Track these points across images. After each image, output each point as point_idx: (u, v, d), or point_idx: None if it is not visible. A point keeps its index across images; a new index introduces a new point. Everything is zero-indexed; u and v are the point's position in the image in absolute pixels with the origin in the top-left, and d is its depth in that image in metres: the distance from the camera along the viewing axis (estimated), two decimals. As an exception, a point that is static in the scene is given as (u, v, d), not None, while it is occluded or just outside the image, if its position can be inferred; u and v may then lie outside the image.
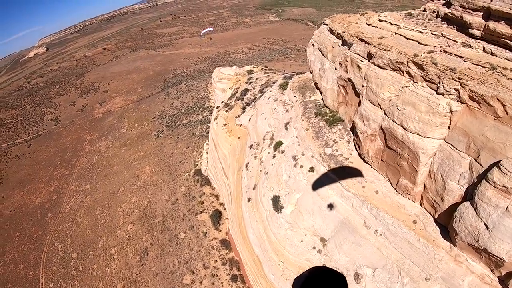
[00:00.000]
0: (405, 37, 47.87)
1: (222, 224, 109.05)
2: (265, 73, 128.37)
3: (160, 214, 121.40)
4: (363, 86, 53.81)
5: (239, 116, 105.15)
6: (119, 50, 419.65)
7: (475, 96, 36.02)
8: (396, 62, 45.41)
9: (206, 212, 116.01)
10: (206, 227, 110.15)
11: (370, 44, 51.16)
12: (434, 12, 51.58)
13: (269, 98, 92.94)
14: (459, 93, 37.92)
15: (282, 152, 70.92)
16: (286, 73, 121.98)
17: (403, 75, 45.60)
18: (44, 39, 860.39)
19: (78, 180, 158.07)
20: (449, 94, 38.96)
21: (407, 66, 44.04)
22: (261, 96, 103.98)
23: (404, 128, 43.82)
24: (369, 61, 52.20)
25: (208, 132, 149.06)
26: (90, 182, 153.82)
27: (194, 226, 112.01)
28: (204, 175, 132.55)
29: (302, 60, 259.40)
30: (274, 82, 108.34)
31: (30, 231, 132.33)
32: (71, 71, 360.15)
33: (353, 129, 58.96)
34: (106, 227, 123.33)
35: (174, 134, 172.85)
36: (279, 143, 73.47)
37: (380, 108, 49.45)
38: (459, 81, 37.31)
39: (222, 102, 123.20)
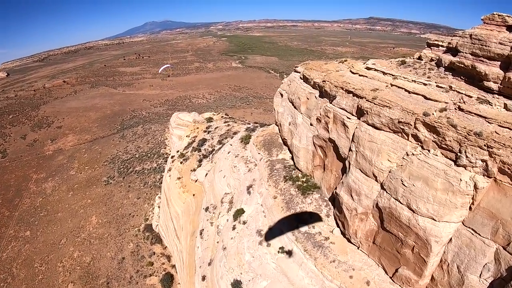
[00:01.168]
0: (406, 90, 38.45)
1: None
2: (225, 122, 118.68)
3: (104, 275, 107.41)
4: (350, 150, 42.91)
5: (194, 169, 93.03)
6: (79, 85, 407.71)
7: (508, 168, 27.32)
8: (399, 122, 35.36)
9: (156, 275, 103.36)
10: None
11: (362, 98, 40.86)
12: (432, 60, 44.09)
13: (228, 153, 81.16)
14: (486, 165, 28.68)
15: (244, 223, 57.49)
16: (249, 124, 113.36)
17: (408, 139, 35.67)
18: (7, 63, 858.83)
19: (19, 224, 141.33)
20: (473, 166, 29.57)
21: (415, 128, 34.17)
22: (220, 148, 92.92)
23: (412, 210, 33.33)
24: (359, 118, 41.90)
25: (161, 182, 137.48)
26: (31, 228, 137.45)
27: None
28: (155, 232, 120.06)
29: (263, 108, 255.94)
30: (234, 133, 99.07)
31: None
32: (27, 101, 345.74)
33: (334, 201, 48.18)
34: (44, 283, 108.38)
35: (125, 182, 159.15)
36: (240, 211, 59.98)
37: (376, 180, 38.49)
38: (487, 150, 28.24)
39: (178, 151, 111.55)
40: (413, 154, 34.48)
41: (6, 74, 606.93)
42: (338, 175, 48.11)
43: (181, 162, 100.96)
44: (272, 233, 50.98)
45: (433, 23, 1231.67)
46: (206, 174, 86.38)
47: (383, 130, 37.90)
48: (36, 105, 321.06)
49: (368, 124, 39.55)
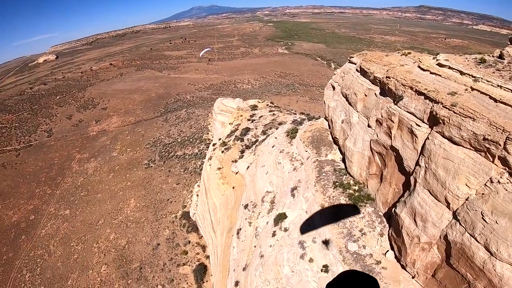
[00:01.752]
0: (491, 98, 30.15)
1: (206, 281, 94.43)
2: (270, 111, 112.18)
3: (138, 259, 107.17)
4: (418, 164, 35.39)
5: (236, 161, 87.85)
6: (125, 68, 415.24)
7: None
8: (485, 139, 27.52)
9: (189, 265, 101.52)
10: (187, 283, 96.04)
11: (437, 102, 32.97)
12: (520, 61, 35.18)
13: (273, 147, 75.16)
14: None
15: (285, 230, 51.52)
16: (295, 114, 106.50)
17: (493, 162, 27.78)
18: (56, 46, 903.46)
19: (59, 203, 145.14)
20: None
21: (504, 149, 26.33)
22: (264, 139, 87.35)
23: (490, 252, 26.15)
24: (431, 127, 34.48)
25: (202, 169, 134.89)
26: (70, 207, 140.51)
27: (174, 280, 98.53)
28: (192, 220, 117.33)
29: (309, 97, 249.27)
30: (280, 124, 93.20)
31: (1, 251, 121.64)
32: (74, 83, 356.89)
33: (390, 218, 41.69)
34: (78, 263, 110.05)
35: (165, 166, 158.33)
36: (282, 216, 53.90)
37: (449, 207, 31.12)
38: None
39: (220, 139, 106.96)
40: (498, 182, 26.96)
41: (56, 56, 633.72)
42: (398, 190, 41.13)
43: (222, 151, 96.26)
44: (317, 245, 45.21)
45: (486, 14, 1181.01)
46: (248, 167, 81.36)
47: (463, 147, 30.26)
48: (83, 87, 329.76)
49: (444, 137, 31.95)
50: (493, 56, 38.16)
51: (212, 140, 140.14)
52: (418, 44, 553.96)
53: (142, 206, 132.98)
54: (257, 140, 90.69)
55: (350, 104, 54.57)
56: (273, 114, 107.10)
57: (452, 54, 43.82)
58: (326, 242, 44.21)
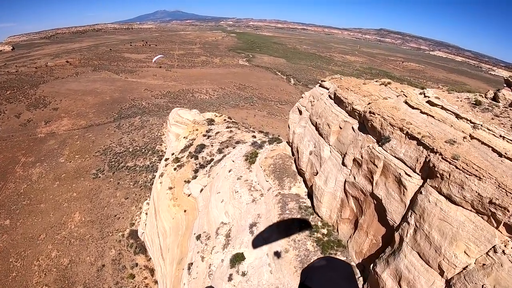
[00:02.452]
0: (495, 151, 26.03)
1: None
2: (227, 127, 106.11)
3: (82, 281, 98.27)
4: (406, 221, 30.02)
5: (189, 181, 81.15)
6: (82, 67, 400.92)
7: None
8: (491, 203, 23.09)
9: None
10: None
11: (435, 152, 28.09)
12: (514, 105, 31.52)
13: (230, 171, 68.07)
14: None
15: (244, 274, 44.48)
16: (253, 133, 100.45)
17: (497, 228, 23.47)
18: (13, 37, 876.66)
19: None
20: None
21: None
22: (220, 160, 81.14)
23: None
24: (424, 180, 29.47)
25: (152, 184, 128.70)
26: (11, 216, 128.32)
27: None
28: (140, 240, 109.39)
29: (267, 111, 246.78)
30: (237, 143, 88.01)
31: None
32: (27, 78, 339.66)
33: (367, 275, 34.96)
34: (17, 282, 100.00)
35: (115, 178, 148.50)
36: (240, 257, 47.15)
37: (442, 275, 26.24)
38: None
39: (173, 154, 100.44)
40: (503, 252, 22.63)
41: (12, 48, 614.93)
42: (376, 242, 35.62)
43: (175, 169, 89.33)
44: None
45: (443, 41, 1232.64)
46: (202, 190, 74.67)
47: (463, 207, 25.46)
48: (36, 83, 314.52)
49: (441, 194, 26.96)
50: (486, 97, 34.04)
51: (165, 153, 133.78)
52: (376, 65, 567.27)
53: (88, 221, 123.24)
54: (212, 159, 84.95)
55: (320, 135, 49.02)
56: (231, 131, 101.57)
57: (439, 89, 39.26)
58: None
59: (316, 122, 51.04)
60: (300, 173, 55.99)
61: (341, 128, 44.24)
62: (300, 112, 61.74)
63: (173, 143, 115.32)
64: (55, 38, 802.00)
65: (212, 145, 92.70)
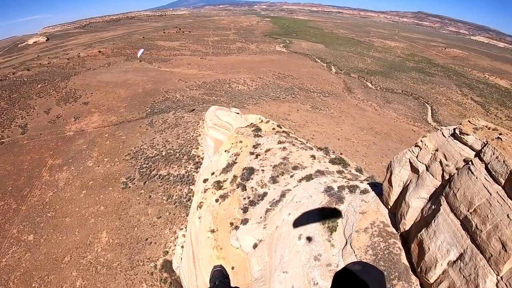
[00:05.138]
0: None
1: None
2: (279, 142, 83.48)
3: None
4: None
5: (236, 227, 60.46)
6: (114, 57, 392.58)
7: None
8: None
9: None
10: None
11: None
12: None
13: (300, 238, 46.48)
14: None
15: None
16: (313, 153, 77.84)
17: None
18: (48, 28, 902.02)
19: (23, 223, 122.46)
20: None
21: None
22: (277, 201, 59.03)
23: None
24: None
25: (188, 200, 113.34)
26: (35, 231, 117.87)
27: None
28: (175, 274, 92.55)
29: (311, 105, 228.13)
30: (294, 168, 67.85)
31: None
32: (59, 70, 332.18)
33: None
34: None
35: (146, 189, 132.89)
36: None
37: None
38: None
39: (213, 174, 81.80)
40: None
41: (46, 38, 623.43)
42: None
43: (216, 200, 70.58)
44: None
45: (483, 25, 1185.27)
46: (255, 245, 55.21)
47: None
48: (67, 75, 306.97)
49: None
50: None
51: (202, 159, 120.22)
52: (418, 51, 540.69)
53: (116, 243, 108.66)
54: (265, 194, 64.15)
55: (478, 246, 26.97)
56: (284, 148, 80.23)
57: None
58: None
59: (465, 217, 28.70)
60: (414, 268, 34.93)
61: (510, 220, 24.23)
62: (415, 169, 38.40)
63: (213, 157, 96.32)
64: (89, 28, 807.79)
65: (263, 170, 72.63)
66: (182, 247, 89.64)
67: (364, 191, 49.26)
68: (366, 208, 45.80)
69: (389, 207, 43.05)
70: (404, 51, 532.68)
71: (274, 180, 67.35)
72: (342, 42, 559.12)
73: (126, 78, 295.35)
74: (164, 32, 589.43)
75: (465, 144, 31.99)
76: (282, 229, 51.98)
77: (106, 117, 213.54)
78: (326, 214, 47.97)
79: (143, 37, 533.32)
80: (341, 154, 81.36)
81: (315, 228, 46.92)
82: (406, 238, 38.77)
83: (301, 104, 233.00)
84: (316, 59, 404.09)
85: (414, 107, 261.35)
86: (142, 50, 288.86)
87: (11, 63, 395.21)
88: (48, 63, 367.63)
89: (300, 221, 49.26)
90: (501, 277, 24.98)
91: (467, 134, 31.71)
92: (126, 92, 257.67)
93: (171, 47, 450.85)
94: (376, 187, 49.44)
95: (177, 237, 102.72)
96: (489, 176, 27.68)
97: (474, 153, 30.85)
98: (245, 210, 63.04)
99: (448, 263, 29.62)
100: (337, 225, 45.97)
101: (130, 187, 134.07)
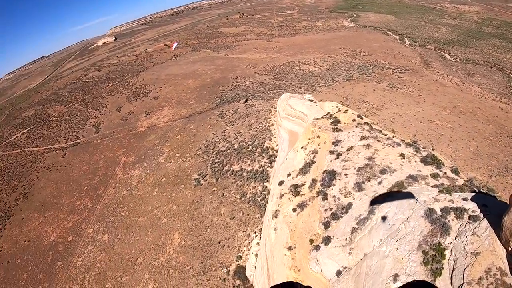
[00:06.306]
0: None
1: None
2: (362, 138, 71.26)
3: (179, 330, 79.50)
4: None
5: (317, 246, 50.53)
6: (180, 48, 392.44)
7: None
8: None
9: None
10: None
11: None
12: None
13: (396, 279, 36.56)
14: None
15: None
16: (402, 152, 64.57)
17: None
18: (115, 28, 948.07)
19: (99, 222, 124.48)
20: None
21: None
22: (365, 218, 48.06)
23: None
24: None
25: (263, 199, 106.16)
26: (109, 230, 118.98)
27: None
28: (248, 282, 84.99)
29: (388, 84, 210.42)
30: (382, 172, 56.21)
31: (37, 278, 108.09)
32: (128, 68, 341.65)
33: None
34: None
35: (218, 187, 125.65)
36: None
37: None
38: None
39: (289, 175, 72.69)
40: None
41: (114, 38, 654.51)
42: None
43: (294, 209, 60.71)
44: None
45: None
46: (339, 273, 45.34)
47: None
48: (136, 72, 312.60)
49: None
50: None
51: (276, 152, 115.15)
52: (495, 15, 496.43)
53: (188, 245, 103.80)
54: (350, 205, 53.35)
55: None
56: (368, 146, 67.64)
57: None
58: None
59: None
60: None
61: None
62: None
63: (288, 155, 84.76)
64: (154, 23, 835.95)
65: (346, 174, 61.47)
66: (256, 255, 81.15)
67: (475, 218, 36.34)
68: (479, 246, 33.70)
69: (510, 248, 30.82)
70: (480, 15, 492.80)
71: (359, 187, 56.77)
72: (412, 11, 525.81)
73: (193, 69, 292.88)
74: (227, 19, 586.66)
75: None
76: (372, 260, 41.65)
77: (176, 110, 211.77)
78: (429, 253, 37.07)
79: (207, 26, 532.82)
80: (433, 150, 68.97)
81: (415, 269, 36.44)
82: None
83: (376, 83, 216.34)
84: (388, 32, 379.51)
85: (499, 80, 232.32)
86: (176, 43, 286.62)
87: (83, 65, 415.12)
88: (117, 62, 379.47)
89: (393, 259, 38.74)
90: None
91: None
92: (194, 83, 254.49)
93: (236, 32, 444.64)
94: (485, 206, 37.47)
95: (251, 241, 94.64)
96: None
97: None
98: (326, 225, 53.23)
99: None
100: (442, 267, 34.97)
101: (202, 184, 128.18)
